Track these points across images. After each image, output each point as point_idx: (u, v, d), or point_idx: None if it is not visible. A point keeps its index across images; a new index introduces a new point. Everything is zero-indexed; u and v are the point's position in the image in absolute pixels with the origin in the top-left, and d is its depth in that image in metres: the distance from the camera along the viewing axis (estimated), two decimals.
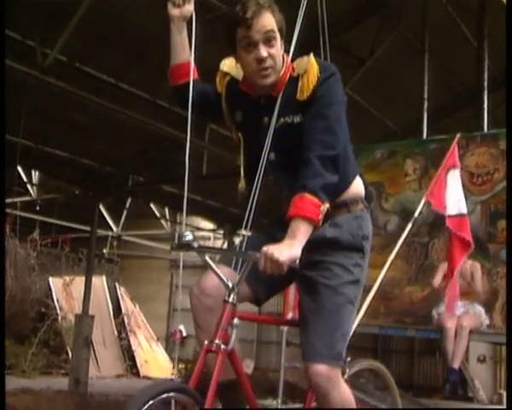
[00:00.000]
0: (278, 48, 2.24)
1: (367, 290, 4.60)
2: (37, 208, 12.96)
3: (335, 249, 2.27)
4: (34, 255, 13.04)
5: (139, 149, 9.71)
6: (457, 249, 5.21)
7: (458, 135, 5.42)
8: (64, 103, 7.55)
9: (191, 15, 2.39)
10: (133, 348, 13.38)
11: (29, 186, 12.80)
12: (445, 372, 8.10)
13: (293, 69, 2.29)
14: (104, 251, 16.16)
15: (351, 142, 2.35)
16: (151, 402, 1.86)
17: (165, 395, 1.92)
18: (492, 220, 6.02)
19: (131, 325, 13.74)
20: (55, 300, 12.91)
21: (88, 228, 11.13)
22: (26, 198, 12.81)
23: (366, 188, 2.42)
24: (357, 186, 2.38)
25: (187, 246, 2.14)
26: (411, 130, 8.86)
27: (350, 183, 2.34)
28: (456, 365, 5.67)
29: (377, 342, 13.61)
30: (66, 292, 13.18)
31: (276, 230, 2.23)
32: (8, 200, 10.88)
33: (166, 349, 14.57)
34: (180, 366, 11.04)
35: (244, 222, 2.24)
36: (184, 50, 2.42)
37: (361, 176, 2.42)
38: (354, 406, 2.30)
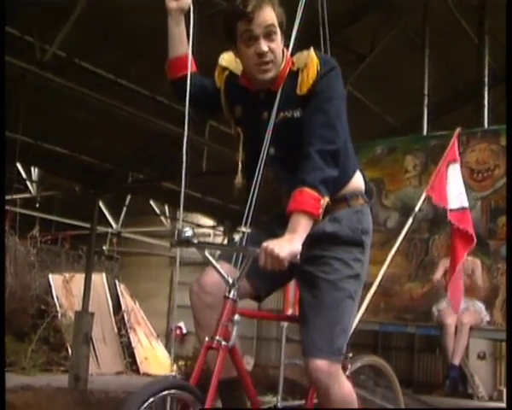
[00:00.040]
0: (278, 42, 2.22)
1: (367, 287, 4.58)
2: (37, 205, 12.94)
3: (335, 244, 2.26)
4: (34, 252, 13.04)
5: (139, 145, 9.69)
6: (460, 244, 5.18)
7: (458, 129, 5.40)
8: (63, 100, 7.53)
9: (189, 8, 2.37)
10: (133, 344, 13.39)
11: (28, 183, 12.77)
12: (445, 369, 8.10)
13: (293, 63, 2.28)
14: (104, 248, 16.14)
15: (351, 138, 2.34)
16: (152, 399, 1.85)
17: (166, 393, 1.91)
18: (493, 217, 6.01)
19: (131, 321, 13.75)
20: (55, 297, 12.91)
21: (88, 225, 11.11)
22: (26, 195, 12.79)
23: (366, 183, 2.41)
24: (358, 181, 2.37)
25: (186, 242, 2.12)
26: (411, 126, 8.85)
27: (350, 177, 2.33)
28: (456, 361, 5.66)
29: (377, 339, 13.62)
30: (65, 289, 13.18)
31: (276, 226, 2.21)
32: (8, 197, 10.84)
33: (166, 346, 14.58)
34: (180, 362, 11.05)
35: (244, 219, 2.23)
36: (182, 43, 2.41)
37: (361, 171, 2.41)
38: (355, 401, 2.29)
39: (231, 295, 2.09)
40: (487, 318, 5.83)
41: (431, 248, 6.37)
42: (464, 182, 5.34)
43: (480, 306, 5.83)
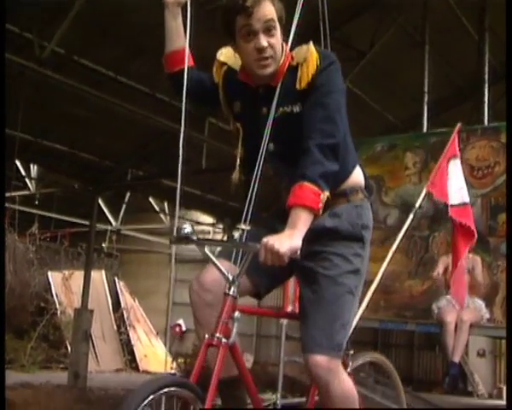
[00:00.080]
0: (278, 37, 2.21)
1: (367, 284, 4.58)
2: (36, 203, 12.92)
3: (335, 239, 2.25)
4: (33, 250, 13.03)
5: (138, 142, 9.68)
6: (461, 240, 5.16)
7: (459, 124, 5.37)
8: (63, 97, 7.51)
9: (186, 1, 2.36)
10: (132, 342, 13.39)
11: (28, 180, 12.73)
12: (445, 366, 8.10)
13: (293, 58, 2.26)
14: (103, 245, 16.14)
15: (350, 134, 2.33)
16: (151, 397, 1.83)
17: (166, 390, 1.89)
18: (493, 214, 6.01)
19: (131, 319, 13.75)
20: (55, 294, 12.91)
21: (87, 222, 11.10)
22: (25, 192, 12.76)
23: (366, 178, 2.40)
24: (357, 176, 2.36)
25: (186, 239, 2.10)
26: (411, 123, 8.83)
27: (350, 172, 2.32)
28: (456, 359, 5.64)
29: (377, 336, 13.61)
30: (65, 286, 13.17)
31: (276, 221, 2.20)
32: (7, 194, 10.81)
33: (166, 343, 14.57)
34: (180, 360, 11.06)
35: (243, 216, 2.21)
36: (179, 37, 2.39)
37: (360, 166, 2.39)
38: (356, 397, 2.28)
39: (231, 292, 2.08)
40: (487, 315, 5.82)
41: (431, 245, 6.37)
42: (465, 177, 5.33)
43: (480, 303, 5.83)
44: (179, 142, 2.27)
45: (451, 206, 5.11)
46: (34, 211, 13.54)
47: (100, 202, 12.84)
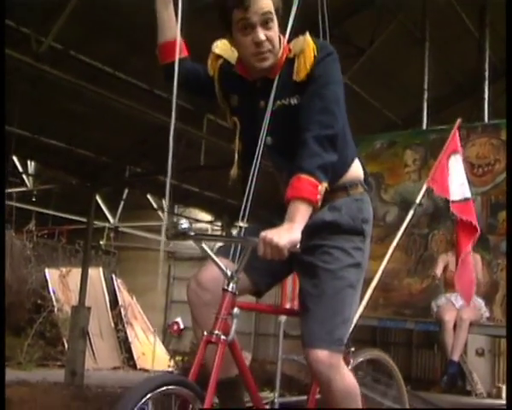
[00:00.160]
0: (276, 30, 2.17)
1: (367, 282, 4.54)
2: (34, 199, 12.91)
3: (335, 233, 2.21)
4: (30, 246, 13.03)
5: (136, 139, 9.64)
6: (464, 235, 5.12)
7: (459, 120, 5.32)
8: (60, 92, 7.47)
9: None
10: (130, 339, 13.37)
11: (25, 177, 12.72)
12: (443, 365, 8.07)
13: (290, 50, 2.23)
14: (101, 242, 16.12)
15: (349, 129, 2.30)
16: (149, 395, 1.80)
17: (164, 388, 1.86)
18: (493, 212, 5.98)
19: (128, 316, 13.73)
20: (52, 291, 12.88)
21: (85, 219, 11.09)
22: (22, 189, 12.75)
23: (365, 171, 2.37)
24: (356, 169, 2.32)
25: (183, 234, 2.06)
26: (411, 120, 8.82)
27: (348, 166, 2.29)
28: (455, 357, 5.62)
29: (376, 335, 13.59)
30: (62, 283, 13.14)
31: (275, 216, 2.16)
32: None
33: (163, 341, 14.56)
34: (177, 358, 11.03)
35: (241, 213, 2.18)
36: (172, 27, 2.34)
37: (359, 160, 2.36)
38: (358, 393, 2.24)
39: (230, 288, 2.04)
40: (487, 314, 5.80)
41: (430, 243, 6.35)
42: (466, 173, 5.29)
43: (480, 301, 5.80)
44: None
45: (453, 202, 5.05)
46: (31, 207, 13.53)
47: (97, 198, 12.81)
